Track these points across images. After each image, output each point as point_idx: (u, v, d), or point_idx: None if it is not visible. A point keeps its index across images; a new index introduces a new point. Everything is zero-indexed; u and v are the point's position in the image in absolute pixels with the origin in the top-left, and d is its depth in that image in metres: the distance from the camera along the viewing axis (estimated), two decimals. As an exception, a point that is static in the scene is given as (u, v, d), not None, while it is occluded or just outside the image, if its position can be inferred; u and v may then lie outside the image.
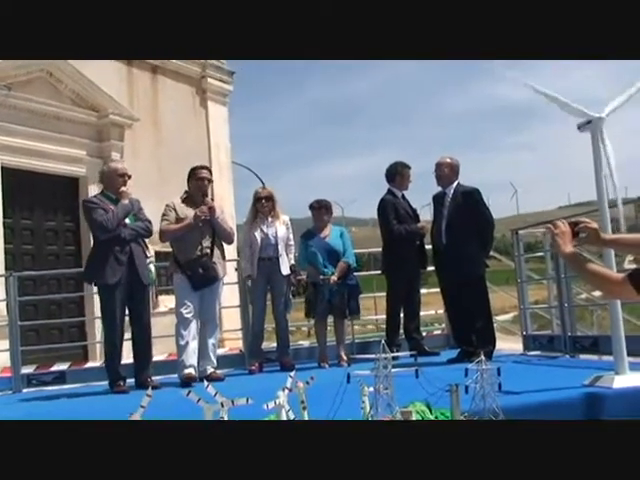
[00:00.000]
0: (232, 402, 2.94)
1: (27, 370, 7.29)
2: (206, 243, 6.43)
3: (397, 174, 7.45)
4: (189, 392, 2.91)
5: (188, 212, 6.44)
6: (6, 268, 10.72)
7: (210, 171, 6.76)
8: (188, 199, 6.57)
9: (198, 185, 6.55)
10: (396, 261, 7.25)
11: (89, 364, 8.50)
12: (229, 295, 8.58)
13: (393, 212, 7.26)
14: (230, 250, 12.09)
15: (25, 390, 6.98)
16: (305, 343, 9.92)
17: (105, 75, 12.69)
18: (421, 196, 7.63)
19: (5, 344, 7.37)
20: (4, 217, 11.45)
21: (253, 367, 7.07)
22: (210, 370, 6.41)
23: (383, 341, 3.18)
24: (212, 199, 6.84)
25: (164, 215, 6.48)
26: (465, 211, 6.62)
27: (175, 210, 6.47)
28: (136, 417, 2.81)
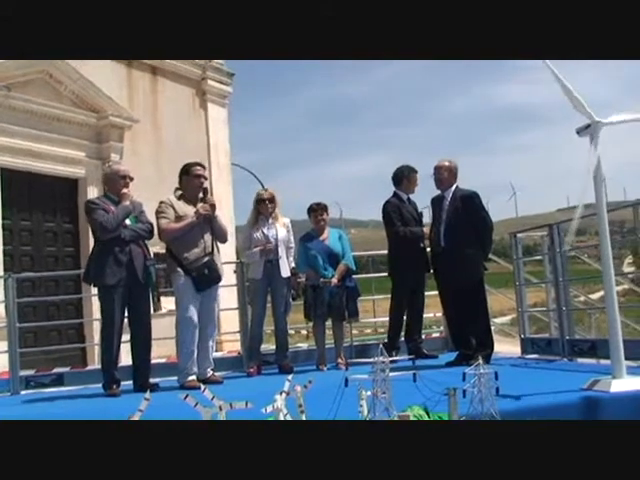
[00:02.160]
0: (230, 405, 2.94)
1: (26, 373, 7.28)
2: (208, 242, 6.37)
3: (404, 178, 7.45)
4: (187, 396, 2.91)
5: (187, 210, 6.34)
6: (5, 269, 10.72)
7: (204, 167, 6.66)
8: (184, 196, 6.46)
9: (195, 183, 6.45)
10: (402, 264, 7.26)
11: (88, 367, 8.49)
12: (227, 297, 8.58)
13: (397, 215, 7.27)
14: (229, 253, 12.08)
15: (23, 392, 6.97)
16: (304, 345, 9.92)
17: (105, 76, 12.70)
18: (419, 198, 7.65)
19: (3, 346, 7.38)
20: (3, 218, 11.45)
21: (251, 370, 7.06)
22: (209, 373, 6.40)
23: (381, 345, 3.18)
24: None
25: (161, 213, 6.32)
26: (464, 214, 6.63)
27: (173, 207, 6.34)
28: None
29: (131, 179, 6.31)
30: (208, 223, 6.39)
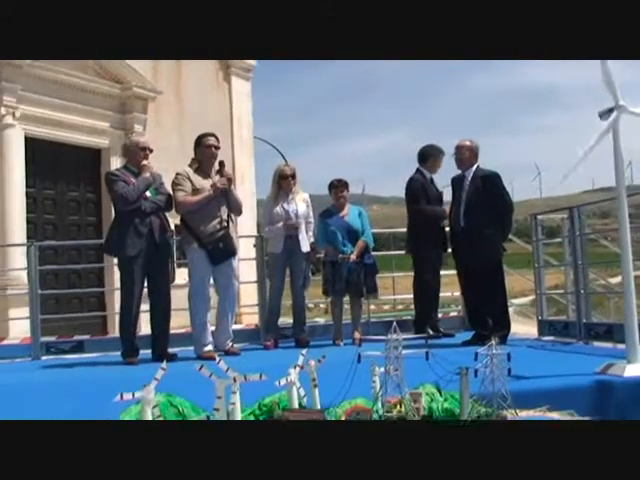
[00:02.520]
0: (245, 377, 2.99)
1: (47, 339, 7.41)
2: (224, 215, 6.37)
3: (431, 156, 7.47)
4: (202, 366, 2.96)
5: (203, 183, 6.33)
6: (28, 237, 10.85)
7: (217, 137, 6.62)
8: (199, 169, 6.45)
9: (207, 153, 6.45)
10: (424, 241, 7.28)
11: (108, 335, 8.60)
12: (247, 270, 8.64)
13: (423, 192, 7.29)
14: (250, 226, 12.12)
15: (44, 357, 7.10)
16: (321, 320, 9.99)
17: (129, 47, 12.70)
18: (438, 177, 7.63)
19: (25, 312, 7.51)
20: (27, 187, 11.57)
21: (268, 343, 7.14)
22: (228, 345, 6.48)
23: (394, 323, 3.21)
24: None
25: (178, 185, 6.31)
26: (484, 194, 6.60)
27: (190, 180, 6.33)
28: (149, 389, 2.87)
29: (151, 151, 6.33)
30: (224, 196, 6.38)
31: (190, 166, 6.47)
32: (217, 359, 3.12)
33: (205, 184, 6.34)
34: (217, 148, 6.50)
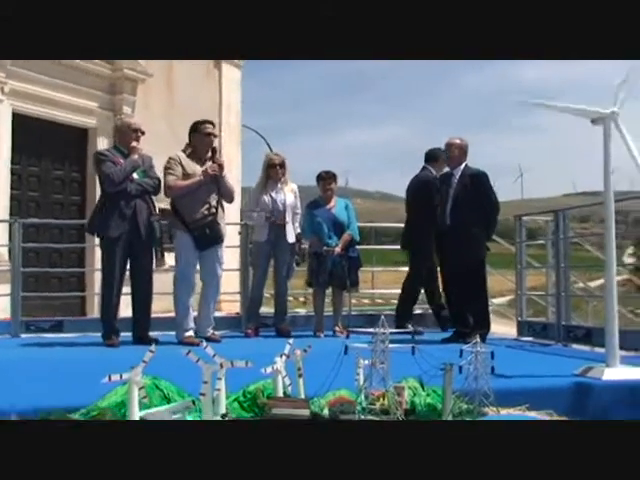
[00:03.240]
0: (231, 363, 3.00)
1: (26, 318, 7.38)
2: (213, 202, 6.37)
3: (440, 158, 7.46)
4: (189, 352, 2.97)
5: (195, 168, 6.33)
6: (11, 214, 10.76)
7: (214, 125, 6.63)
8: (193, 154, 6.44)
9: (205, 141, 6.44)
10: (426, 237, 7.29)
11: (88, 316, 8.57)
12: (229, 258, 8.64)
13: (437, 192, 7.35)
14: (234, 214, 12.08)
15: (23, 335, 7.07)
16: (301, 311, 10.01)
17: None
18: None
19: (5, 288, 7.46)
20: (12, 163, 11.46)
21: (249, 331, 7.15)
22: (209, 332, 6.47)
23: (382, 316, 3.24)
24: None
25: (169, 169, 6.30)
26: (471, 193, 6.63)
27: (181, 164, 6.32)
28: (137, 371, 2.88)
29: (142, 133, 6.31)
30: (215, 183, 6.38)
31: (184, 151, 6.45)
32: (204, 344, 3.13)
33: (197, 169, 6.33)
34: (215, 136, 6.52)
